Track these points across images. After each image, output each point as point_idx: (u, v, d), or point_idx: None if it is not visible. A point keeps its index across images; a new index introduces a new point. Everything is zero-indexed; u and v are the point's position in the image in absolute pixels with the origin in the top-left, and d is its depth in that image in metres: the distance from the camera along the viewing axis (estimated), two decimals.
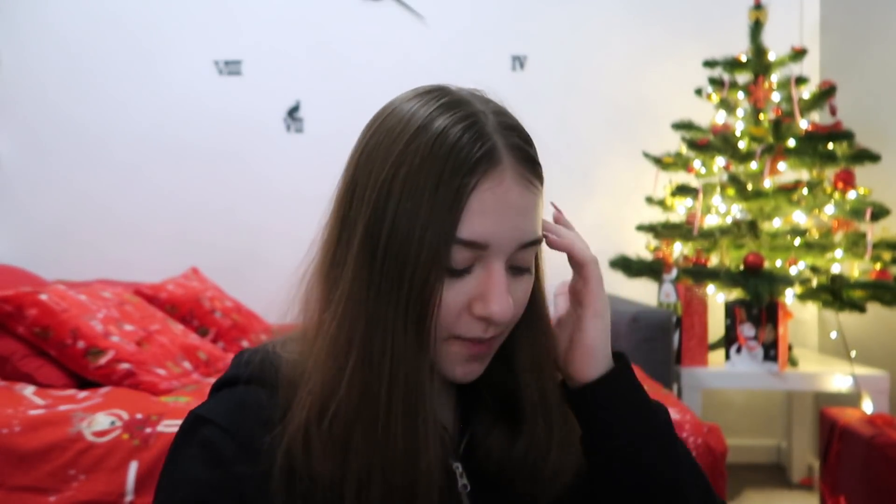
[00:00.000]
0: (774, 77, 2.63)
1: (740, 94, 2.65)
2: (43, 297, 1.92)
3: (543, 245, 0.64)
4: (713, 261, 2.60)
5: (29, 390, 1.79)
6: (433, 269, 0.55)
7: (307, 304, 0.62)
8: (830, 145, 2.42)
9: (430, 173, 0.54)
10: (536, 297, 0.65)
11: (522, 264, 0.59)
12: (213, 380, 2.17)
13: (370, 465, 0.54)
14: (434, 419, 0.56)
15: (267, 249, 3.18)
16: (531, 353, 0.64)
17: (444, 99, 0.59)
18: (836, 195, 2.38)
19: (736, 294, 2.47)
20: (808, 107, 2.56)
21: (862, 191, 2.39)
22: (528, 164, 0.58)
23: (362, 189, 0.57)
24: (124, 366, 1.86)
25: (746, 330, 2.38)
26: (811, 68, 3.00)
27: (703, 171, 2.67)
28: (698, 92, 2.80)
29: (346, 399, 0.55)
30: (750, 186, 2.47)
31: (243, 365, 0.63)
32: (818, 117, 2.83)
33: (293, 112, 3.22)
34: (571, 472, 0.63)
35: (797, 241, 2.37)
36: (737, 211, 2.49)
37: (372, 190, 0.56)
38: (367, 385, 0.55)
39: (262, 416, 0.57)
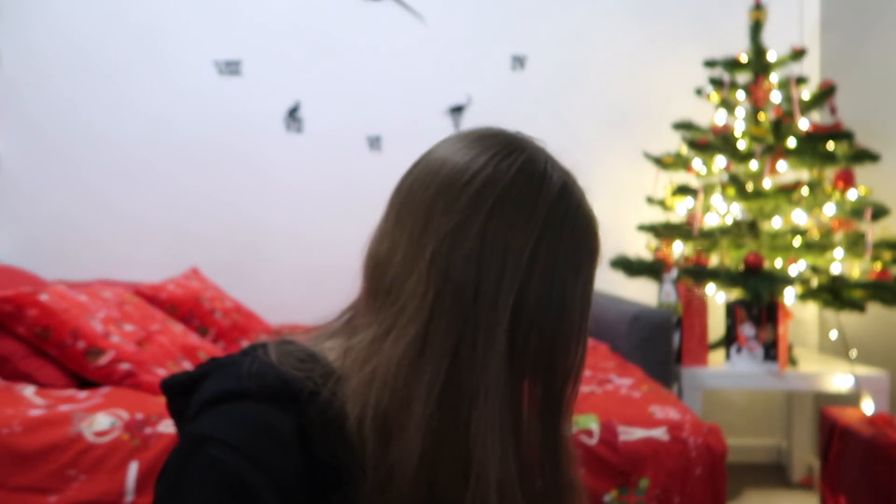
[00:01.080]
0: (774, 77, 2.63)
1: (740, 94, 2.65)
2: (43, 297, 1.91)
3: None
4: (713, 261, 2.60)
5: (29, 390, 1.79)
6: (577, 346, 0.58)
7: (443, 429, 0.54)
8: (830, 145, 2.42)
9: (574, 251, 0.58)
10: None
11: None
12: None
13: None
14: None
15: (267, 249, 3.18)
16: None
17: (559, 167, 0.62)
18: (836, 195, 2.38)
19: (736, 294, 2.47)
20: (808, 107, 2.56)
21: (862, 191, 2.39)
22: None
23: (496, 270, 0.54)
24: (124, 366, 1.86)
25: (746, 330, 2.38)
26: (811, 68, 3.00)
27: (703, 171, 2.67)
28: (698, 92, 2.80)
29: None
30: (750, 186, 2.47)
31: (250, 378, 0.55)
32: (818, 117, 2.83)
33: (293, 112, 3.22)
34: None
35: (797, 241, 2.37)
36: (737, 211, 2.49)
37: (513, 270, 0.54)
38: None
39: (283, 440, 0.52)
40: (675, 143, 2.83)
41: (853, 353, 2.48)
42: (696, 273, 2.43)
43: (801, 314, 2.94)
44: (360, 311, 0.61)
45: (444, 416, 0.52)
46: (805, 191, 2.39)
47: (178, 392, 0.59)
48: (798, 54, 2.62)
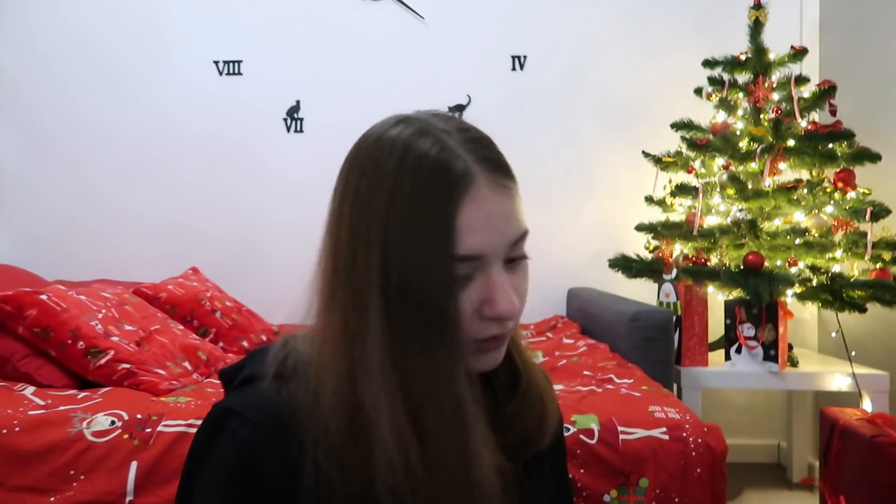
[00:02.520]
0: (774, 77, 2.63)
1: (740, 94, 2.65)
2: (43, 297, 1.92)
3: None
4: (713, 261, 2.60)
5: (29, 390, 1.79)
6: (447, 289, 0.58)
7: (326, 362, 0.60)
8: (830, 145, 2.42)
9: (420, 200, 0.58)
10: None
11: (517, 255, 0.63)
12: (213, 380, 2.16)
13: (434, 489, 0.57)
14: (482, 435, 0.59)
15: (267, 249, 3.18)
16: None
17: (413, 126, 0.62)
18: (836, 195, 2.38)
19: (736, 294, 2.47)
20: (808, 106, 2.56)
21: (862, 191, 2.39)
22: (499, 170, 0.62)
23: (365, 227, 0.59)
24: (124, 366, 1.86)
25: (746, 330, 2.38)
26: (811, 68, 3.00)
27: (703, 170, 2.67)
28: (698, 92, 2.80)
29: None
30: (750, 186, 2.47)
31: (271, 361, 0.63)
32: (818, 117, 2.83)
33: (293, 112, 3.22)
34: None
35: (797, 241, 2.37)
36: (737, 211, 2.49)
37: (377, 227, 0.58)
38: (416, 421, 0.57)
39: (299, 415, 0.58)
40: (674, 143, 2.83)
41: (853, 353, 2.48)
42: (696, 273, 2.43)
43: (801, 314, 2.94)
44: None
45: (346, 369, 0.58)
46: (805, 191, 2.39)
47: (226, 382, 0.68)
48: (798, 54, 2.62)
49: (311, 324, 0.63)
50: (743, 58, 2.64)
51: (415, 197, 0.58)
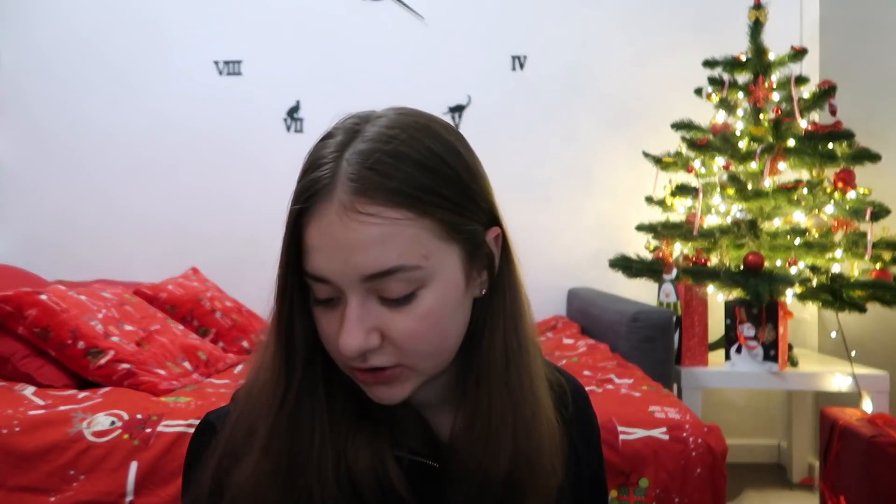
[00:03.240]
0: (774, 77, 2.63)
1: (740, 94, 2.65)
2: (43, 297, 1.92)
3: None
4: (713, 261, 2.60)
5: (29, 390, 1.79)
6: (291, 300, 0.60)
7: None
8: (830, 145, 2.42)
9: (292, 201, 0.58)
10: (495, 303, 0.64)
11: (390, 295, 0.56)
12: (213, 380, 2.17)
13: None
14: (324, 437, 0.60)
15: (267, 249, 3.15)
16: (495, 369, 0.63)
17: (341, 123, 0.62)
18: (836, 195, 2.38)
19: (736, 294, 2.47)
20: (808, 107, 2.56)
21: (862, 191, 2.39)
22: (367, 193, 0.54)
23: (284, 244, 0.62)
24: (124, 366, 1.86)
25: (746, 330, 2.38)
26: (811, 68, 3.00)
27: (703, 170, 2.67)
28: (698, 92, 2.80)
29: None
30: (750, 186, 2.47)
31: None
32: (818, 117, 2.83)
33: (293, 112, 3.22)
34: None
35: (797, 241, 2.37)
36: (737, 211, 2.49)
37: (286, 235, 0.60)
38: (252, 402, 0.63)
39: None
40: (674, 143, 2.83)
41: (853, 353, 2.48)
42: (696, 273, 2.43)
43: (801, 314, 2.94)
44: None
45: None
46: (805, 191, 2.39)
47: None
48: (798, 54, 2.62)
49: None
50: (743, 58, 2.64)
51: (293, 197, 0.58)
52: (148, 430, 1.59)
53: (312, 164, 0.57)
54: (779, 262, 2.43)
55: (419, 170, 0.56)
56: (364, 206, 0.54)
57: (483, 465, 0.61)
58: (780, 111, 2.53)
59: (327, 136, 0.59)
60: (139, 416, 1.63)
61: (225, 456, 0.61)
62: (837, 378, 2.37)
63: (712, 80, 2.70)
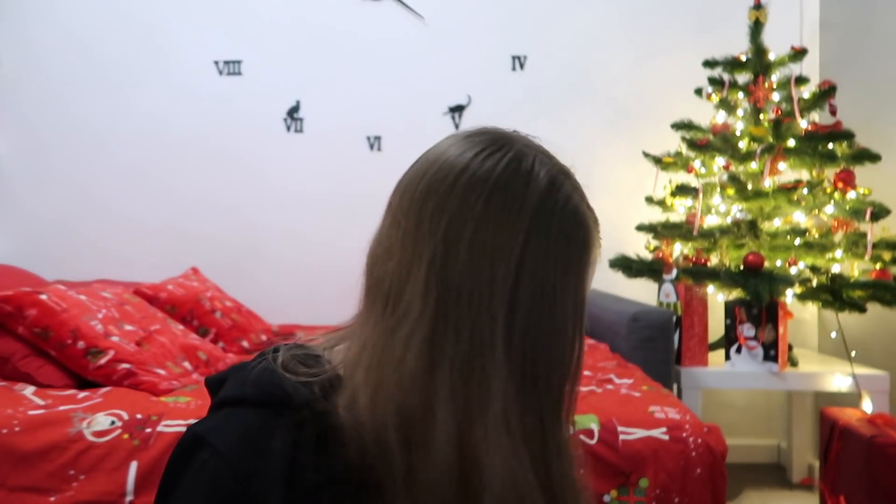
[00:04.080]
0: (774, 77, 2.63)
1: (740, 94, 2.65)
2: (43, 297, 1.91)
3: None
4: (713, 261, 2.60)
5: (29, 390, 1.79)
6: (573, 342, 0.57)
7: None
8: (830, 145, 2.42)
9: (563, 249, 0.56)
10: None
11: None
12: None
13: None
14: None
15: (267, 249, 3.18)
16: None
17: (546, 165, 0.60)
18: (836, 195, 2.38)
19: (736, 294, 2.47)
20: (808, 107, 2.56)
21: (862, 191, 2.39)
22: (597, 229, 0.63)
23: (488, 274, 0.54)
24: (124, 366, 1.86)
25: (746, 330, 2.38)
26: (811, 68, 3.00)
27: (703, 171, 2.67)
28: (698, 92, 2.80)
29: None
30: (750, 186, 2.47)
31: (250, 384, 0.58)
32: (818, 117, 2.83)
33: (293, 112, 3.22)
34: None
35: (797, 241, 2.37)
36: (737, 211, 2.49)
37: (504, 273, 0.54)
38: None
39: (272, 446, 0.53)
40: (675, 143, 2.83)
41: (853, 353, 2.48)
42: (696, 273, 2.43)
43: (801, 314, 2.94)
44: (362, 314, 0.61)
45: (460, 422, 0.53)
46: (805, 191, 2.39)
47: (212, 392, 0.63)
48: (798, 54, 2.62)
49: (361, 349, 0.57)
50: (743, 58, 2.64)
51: (553, 242, 0.55)
52: (148, 430, 1.59)
53: (583, 208, 0.61)
54: (779, 263, 2.43)
55: None
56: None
57: None
58: (780, 111, 2.53)
59: (569, 178, 0.62)
60: (139, 416, 1.63)
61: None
62: (837, 378, 2.37)
63: (712, 81, 2.70)
